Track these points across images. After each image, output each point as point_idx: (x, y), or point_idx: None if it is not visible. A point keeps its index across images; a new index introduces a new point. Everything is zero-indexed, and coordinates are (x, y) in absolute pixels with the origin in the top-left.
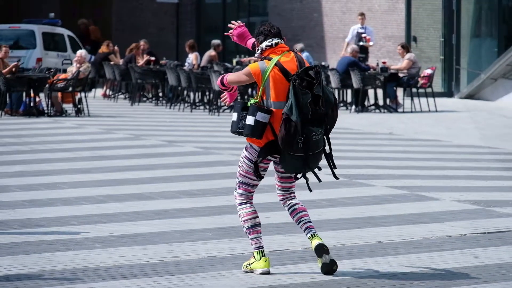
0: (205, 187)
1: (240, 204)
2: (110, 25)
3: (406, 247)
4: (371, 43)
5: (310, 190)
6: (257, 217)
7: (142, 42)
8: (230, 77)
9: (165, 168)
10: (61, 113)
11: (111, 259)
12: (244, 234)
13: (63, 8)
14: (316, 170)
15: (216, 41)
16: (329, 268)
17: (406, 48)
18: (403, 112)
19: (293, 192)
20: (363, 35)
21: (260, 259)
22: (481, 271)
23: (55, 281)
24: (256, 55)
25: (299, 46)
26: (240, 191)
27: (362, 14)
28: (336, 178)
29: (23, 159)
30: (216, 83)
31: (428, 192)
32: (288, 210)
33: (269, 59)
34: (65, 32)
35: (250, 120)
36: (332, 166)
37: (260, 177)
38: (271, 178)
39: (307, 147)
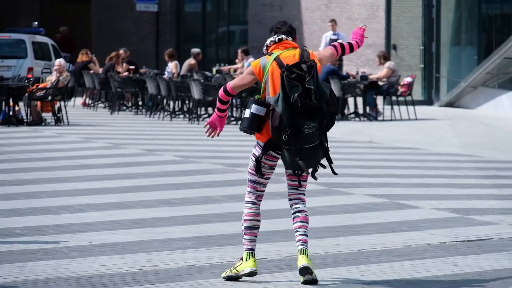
0: (184, 196)
1: (247, 202)
2: (90, 34)
3: (385, 256)
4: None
5: (315, 178)
6: (259, 220)
7: (121, 51)
8: (232, 82)
9: (145, 177)
10: (40, 122)
11: (89, 268)
12: (224, 243)
13: (43, 16)
14: (326, 164)
15: (195, 50)
16: (310, 283)
17: (383, 57)
18: (383, 120)
19: (302, 193)
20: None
21: (249, 259)
22: (460, 279)
23: None
24: (263, 51)
25: None
26: (248, 189)
27: (332, 21)
28: (334, 173)
29: (1, 168)
30: (218, 95)
31: (408, 200)
32: (292, 213)
33: (271, 55)
34: (49, 41)
35: (246, 113)
36: (329, 161)
37: (261, 174)
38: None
39: (298, 140)
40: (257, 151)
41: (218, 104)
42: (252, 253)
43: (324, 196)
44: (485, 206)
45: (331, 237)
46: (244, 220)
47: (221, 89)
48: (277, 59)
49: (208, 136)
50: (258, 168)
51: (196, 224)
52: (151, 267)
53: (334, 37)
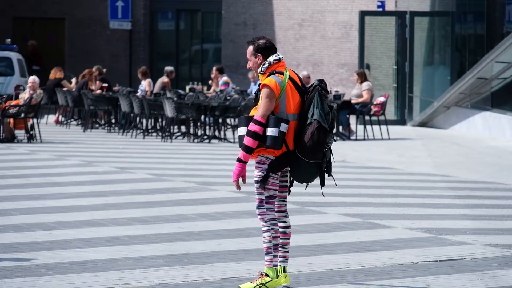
0: (157, 214)
1: (271, 220)
2: (62, 51)
3: (358, 275)
4: None
5: (323, 195)
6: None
7: (94, 69)
8: (261, 113)
9: (117, 195)
10: (13, 139)
11: (62, 286)
12: (197, 262)
13: (15, 32)
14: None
15: (169, 68)
16: None
17: (362, 75)
18: (356, 139)
19: (286, 205)
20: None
21: (281, 274)
22: None
23: None
24: (261, 69)
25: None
26: (269, 206)
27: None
28: (335, 185)
29: None
30: (253, 132)
31: (381, 220)
32: (280, 226)
33: (280, 73)
34: (22, 58)
35: (273, 131)
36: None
37: (265, 187)
38: (222, 205)
39: (324, 154)
40: (263, 166)
41: (249, 144)
42: (285, 267)
43: (297, 215)
44: (458, 226)
45: (303, 256)
46: (273, 237)
47: (255, 126)
48: (290, 78)
49: (238, 189)
50: (265, 181)
51: (169, 242)
52: (123, 285)
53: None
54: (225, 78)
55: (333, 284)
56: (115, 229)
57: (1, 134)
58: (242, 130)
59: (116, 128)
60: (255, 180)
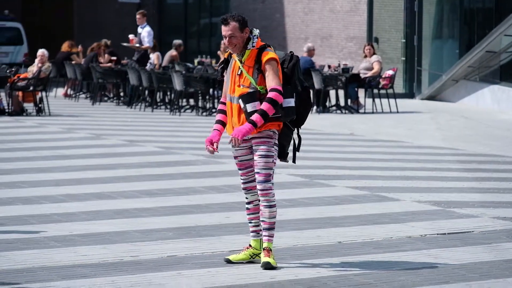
0: (165, 186)
1: (274, 195)
2: (71, 25)
3: (366, 248)
4: (144, 45)
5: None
6: None
7: (103, 42)
8: (277, 83)
9: (126, 168)
10: (21, 112)
11: (70, 258)
12: (205, 234)
13: (24, 6)
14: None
15: (177, 41)
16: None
17: (374, 48)
18: (365, 113)
19: None
20: (129, 36)
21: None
22: (441, 271)
23: (14, 279)
24: (253, 44)
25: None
26: (273, 181)
27: (139, 13)
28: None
29: None
30: (274, 101)
31: (389, 193)
32: (254, 206)
33: (269, 46)
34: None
35: (290, 102)
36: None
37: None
38: (230, 178)
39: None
40: (272, 141)
41: (269, 112)
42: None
43: (305, 188)
44: (466, 199)
45: (312, 229)
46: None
47: (275, 94)
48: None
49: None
50: (284, 153)
51: (177, 215)
52: (132, 257)
53: (139, 30)
54: None
55: (341, 257)
56: (123, 201)
57: (10, 107)
58: (249, 107)
59: (125, 101)
60: (262, 155)
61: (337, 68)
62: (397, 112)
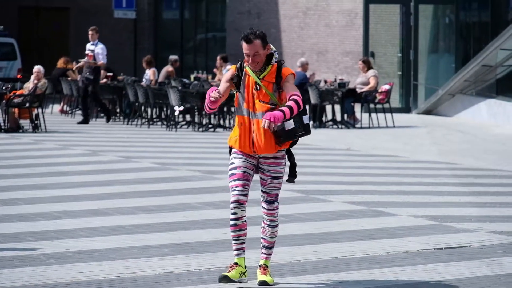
0: (162, 203)
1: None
2: (68, 40)
3: (363, 263)
4: (98, 61)
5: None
6: None
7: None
8: (298, 91)
9: (122, 184)
10: (17, 129)
11: (67, 275)
12: (202, 251)
13: (21, 21)
14: None
15: (173, 57)
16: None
17: (367, 63)
18: (361, 127)
19: None
20: (86, 52)
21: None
22: (438, 286)
23: None
24: (275, 60)
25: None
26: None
27: (92, 29)
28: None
29: None
30: (298, 104)
31: (385, 208)
32: (242, 222)
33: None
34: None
35: (307, 119)
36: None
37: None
38: (227, 193)
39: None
40: (285, 160)
41: (294, 110)
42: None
43: (302, 203)
44: (462, 214)
45: (308, 244)
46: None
47: (299, 98)
48: None
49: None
50: (294, 173)
51: (174, 231)
52: (128, 274)
53: (91, 47)
54: (229, 66)
55: (338, 272)
56: (120, 218)
57: (6, 124)
58: (287, 125)
59: (121, 117)
60: (275, 177)
61: (333, 83)
62: (394, 126)
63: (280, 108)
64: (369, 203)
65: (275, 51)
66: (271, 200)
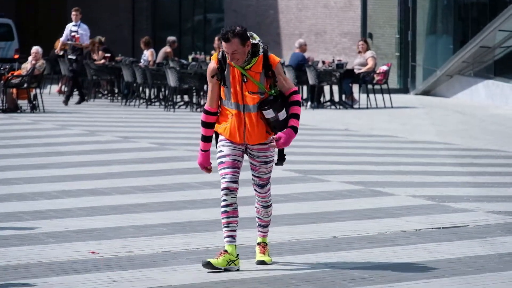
0: (160, 182)
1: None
2: (65, 21)
3: (361, 242)
4: (82, 43)
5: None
6: None
7: (97, 39)
8: (293, 84)
9: (120, 164)
10: (16, 109)
11: (65, 254)
12: (200, 230)
13: (19, 4)
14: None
15: (171, 38)
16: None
17: (367, 44)
18: (359, 108)
19: None
20: (72, 34)
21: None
22: (436, 265)
23: (9, 276)
24: (261, 50)
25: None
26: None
27: (76, 10)
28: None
29: None
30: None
31: (383, 188)
32: (233, 209)
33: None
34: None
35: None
36: None
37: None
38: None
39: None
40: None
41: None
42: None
43: (299, 183)
44: (460, 194)
45: (306, 224)
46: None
47: (299, 96)
48: None
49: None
50: (283, 156)
51: (172, 210)
52: (127, 253)
53: (74, 28)
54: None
55: (336, 251)
56: (118, 197)
57: (4, 104)
58: (281, 115)
59: (119, 97)
60: (266, 162)
61: (331, 63)
62: (392, 107)
63: (292, 125)
64: (367, 183)
65: (259, 41)
66: (264, 183)
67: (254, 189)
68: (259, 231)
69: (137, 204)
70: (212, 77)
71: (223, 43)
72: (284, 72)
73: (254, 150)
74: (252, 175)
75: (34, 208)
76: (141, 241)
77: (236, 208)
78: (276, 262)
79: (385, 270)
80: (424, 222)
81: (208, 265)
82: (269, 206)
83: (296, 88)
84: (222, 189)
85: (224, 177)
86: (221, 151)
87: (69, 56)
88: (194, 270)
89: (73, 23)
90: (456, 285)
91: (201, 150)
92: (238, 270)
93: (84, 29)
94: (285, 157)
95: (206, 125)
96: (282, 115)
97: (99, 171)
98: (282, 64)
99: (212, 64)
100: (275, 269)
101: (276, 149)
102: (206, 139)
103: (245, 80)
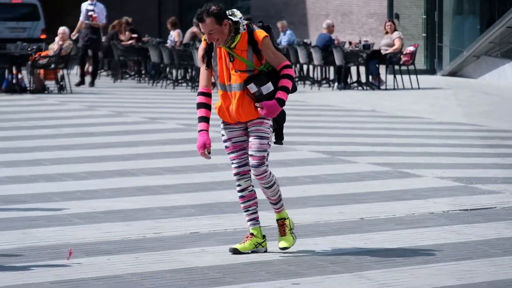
0: (187, 163)
1: (271, 173)
2: None
3: (388, 224)
4: (99, 22)
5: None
6: None
7: (124, 19)
8: (284, 58)
9: (148, 145)
10: (43, 90)
11: (94, 235)
12: (228, 211)
13: None
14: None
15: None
16: None
17: (395, 24)
18: (386, 89)
19: None
20: (89, 13)
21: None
22: (463, 247)
23: (39, 257)
24: (244, 28)
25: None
26: (267, 162)
27: None
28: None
29: (5, 136)
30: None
31: (411, 169)
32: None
33: (253, 23)
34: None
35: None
36: None
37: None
38: None
39: None
40: (269, 122)
41: (289, 88)
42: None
43: (327, 164)
44: (488, 175)
45: (334, 205)
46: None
47: (290, 70)
48: None
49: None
50: (281, 134)
51: (200, 191)
52: (155, 234)
53: (90, 7)
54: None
55: (364, 233)
56: (146, 178)
57: (31, 85)
58: (264, 90)
59: (146, 78)
60: (258, 136)
61: (358, 44)
62: (418, 88)
63: (277, 97)
64: (394, 164)
65: (241, 18)
66: (256, 163)
67: (252, 173)
68: (273, 209)
69: (165, 185)
70: (202, 57)
71: (200, 24)
72: (278, 47)
73: (249, 126)
74: (248, 156)
75: (62, 189)
76: (169, 222)
77: (252, 191)
78: (304, 243)
79: (413, 252)
80: (452, 204)
81: (235, 251)
82: (271, 186)
83: (287, 62)
84: (234, 175)
85: (232, 163)
86: (222, 135)
87: (90, 36)
88: (222, 252)
89: (89, 1)
90: (484, 267)
91: (198, 132)
92: (265, 251)
93: (100, 8)
94: (283, 136)
95: (198, 105)
96: (266, 89)
97: (126, 152)
98: (308, 44)
99: (202, 45)
100: (303, 250)
101: (268, 126)
102: (199, 119)
103: (232, 59)
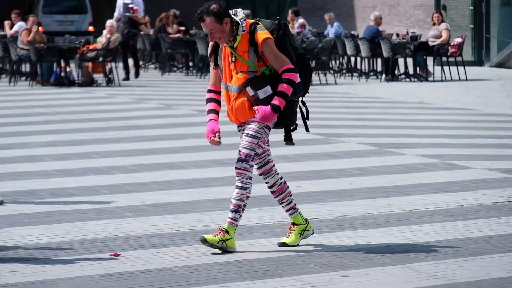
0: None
1: (250, 178)
2: None
3: (437, 216)
4: (139, 15)
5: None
6: None
7: (172, 12)
8: (286, 61)
9: (196, 138)
10: (91, 83)
11: (142, 228)
12: (276, 204)
13: None
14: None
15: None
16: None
17: (442, 16)
18: (433, 81)
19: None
20: (129, 6)
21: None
22: None
23: (87, 250)
24: (243, 29)
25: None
26: (254, 163)
27: None
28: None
29: (54, 129)
30: (295, 81)
31: (459, 161)
32: (279, 186)
33: (257, 24)
34: None
35: (298, 77)
36: None
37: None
38: (301, 147)
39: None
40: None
41: (287, 93)
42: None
43: (375, 156)
44: None
45: (382, 197)
46: (247, 197)
47: (290, 74)
48: None
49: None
50: (289, 136)
51: None
52: (203, 227)
53: (128, 1)
54: (301, 20)
55: (412, 225)
56: (194, 171)
57: (80, 78)
58: (261, 94)
59: (194, 71)
60: (248, 134)
61: (405, 36)
62: (466, 79)
63: (272, 103)
64: (442, 156)
65: (241, 19)
66: (240, 158)
67: (235, 167)
68: (228, 217)
69: (214, 178)
70: (209, 56)
71: (200, 23)
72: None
73: (246, 124)
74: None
75: (110, 182)
76: (217, 215)
77: (281, 184)
78: (353, 235)
79: (462, 243)
80: (501, 196)
81: (284, 245)
82: (243, 188)
83: (289, 66)
84: (259, 175)
85: (255, 164)
86: (240, 137)
87: (130, 30)
88: (270, 244)
89: None
90: None
91: (207, 122)
92: (313, 232)
93: (138, 2)
94: (293, 139)
95: (206, 100)
96: (264, 93)
97: (174, 144)
98: (355, 36)
99: (210, 43)
100: (351, 243)
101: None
102: (208, 112)
103: (234, 60)
